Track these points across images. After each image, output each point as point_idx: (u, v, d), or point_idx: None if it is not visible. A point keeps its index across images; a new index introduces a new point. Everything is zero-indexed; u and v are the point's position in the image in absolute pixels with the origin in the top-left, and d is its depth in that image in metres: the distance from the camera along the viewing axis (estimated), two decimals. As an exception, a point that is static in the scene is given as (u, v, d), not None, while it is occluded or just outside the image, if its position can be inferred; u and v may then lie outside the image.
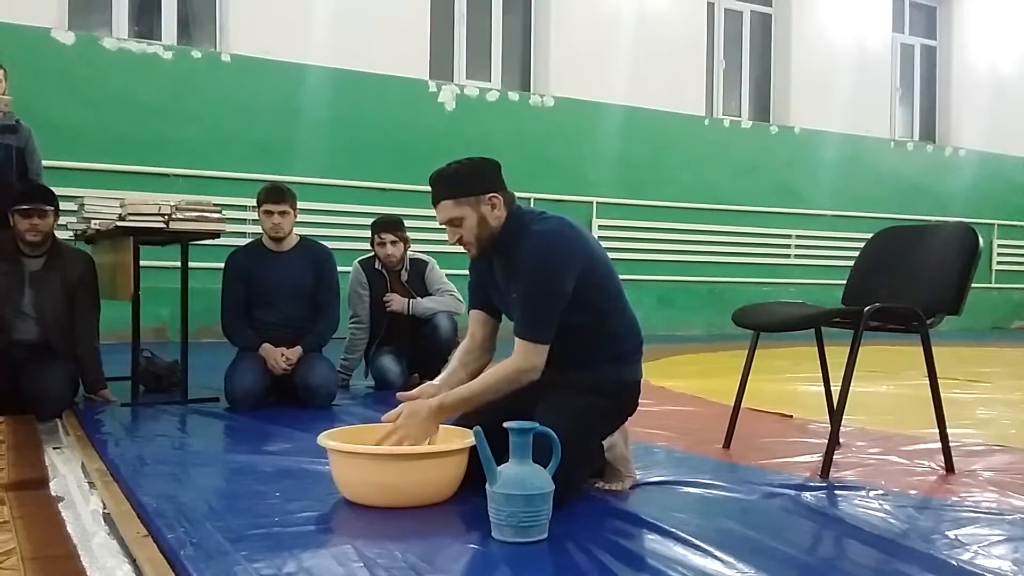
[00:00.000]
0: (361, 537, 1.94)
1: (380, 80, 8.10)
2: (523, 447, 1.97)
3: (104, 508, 2.25)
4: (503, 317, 2.55)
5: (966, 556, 1.88)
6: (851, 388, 2.62)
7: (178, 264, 3.97)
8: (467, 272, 2.59)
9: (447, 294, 4.64)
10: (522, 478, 1.94)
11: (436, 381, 2.49)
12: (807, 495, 2.41)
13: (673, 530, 2.00)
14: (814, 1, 10.69)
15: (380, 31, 8.11)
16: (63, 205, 3.97)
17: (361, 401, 4.22)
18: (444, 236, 2.42)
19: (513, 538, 1.91)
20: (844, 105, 10.70)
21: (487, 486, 1.96)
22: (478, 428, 1.99)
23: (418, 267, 4.67)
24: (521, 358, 2.32)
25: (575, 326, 2.35)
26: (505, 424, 1.98)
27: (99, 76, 7.11)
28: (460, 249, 2.43)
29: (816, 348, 3.11)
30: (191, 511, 2.13)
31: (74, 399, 3.80)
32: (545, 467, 1.99)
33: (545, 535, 1.94)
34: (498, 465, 1.98)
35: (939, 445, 2.80)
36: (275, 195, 4.04)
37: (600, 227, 9.00)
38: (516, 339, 2.34)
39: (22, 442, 3.04)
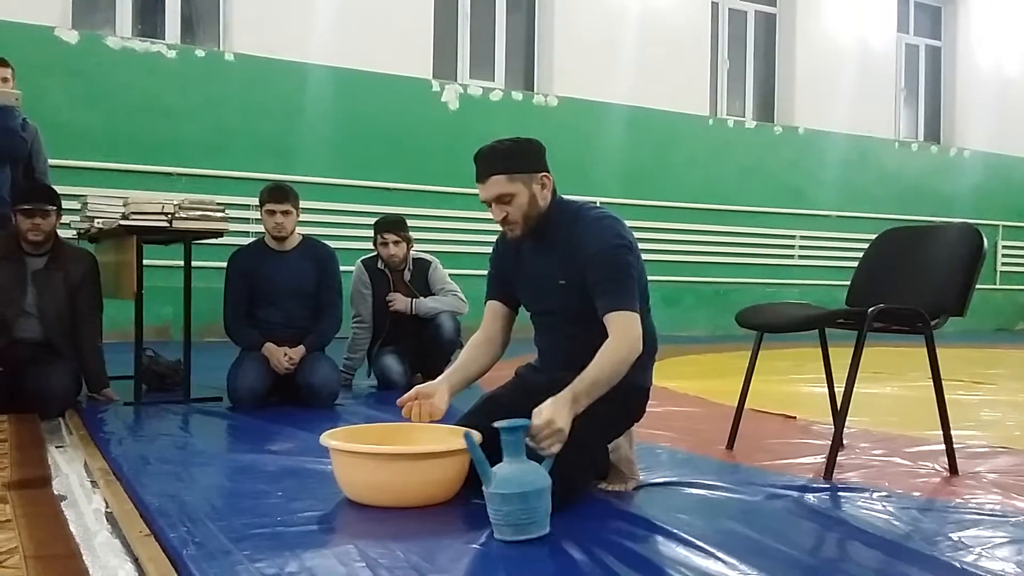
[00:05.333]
0: (363, 537, 1.94)
1: (383, 79, 8.10)
2: (514, 445, 1.97)
3: (106, 507, 2.25)
4: (520, 312, 2.52)
5: (970, 558, 1.88)
6: (855, 389, 2.62)
7: (181, 263, 3.97)
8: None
9: (450, 294, 4.63)
10: (515, 476, 1.93)
11: (442, 377, 2.43)
12: (810, 496, 2.40)
13: (676, 531, 2.00)
14: (818, 1, 10.67)
15: (383, 30, 8.10)
16: (66, 204, 3.97)
17: (364, 401, 4.22)
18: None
19: (512, 537, 1.90)
20: (848, 105, 10.69)
21: (483, 487, 1.96)
22: (467, 433, 1.99)
23: (421, 267, 4.67)
24: (626, 331, 2.22)
25: (597, 322, 2.28)
26: (495, 424, 1.97)
27: (103, 75, 7.11)
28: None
29: (820, 349, 3.10)
30: (193, 510, 2.13)
31: (77, 398, 3.80)
32: (540, 463, 1.98)
33: (546, 530, 1.93)
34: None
35: (943, 447, 2.79)
36: (277, 194, 4.04)
37: (604, 227, 8.96)
38: (613, 314, 2.23)
39: (25, 441, 3.04)
